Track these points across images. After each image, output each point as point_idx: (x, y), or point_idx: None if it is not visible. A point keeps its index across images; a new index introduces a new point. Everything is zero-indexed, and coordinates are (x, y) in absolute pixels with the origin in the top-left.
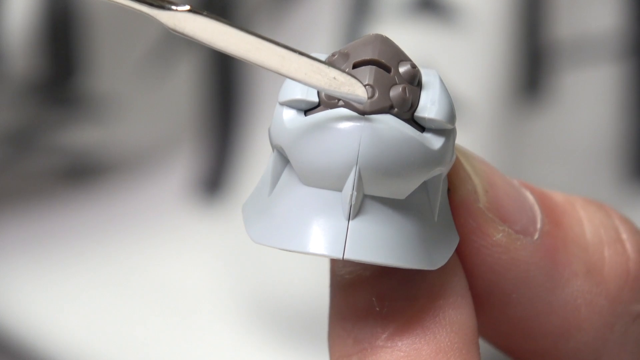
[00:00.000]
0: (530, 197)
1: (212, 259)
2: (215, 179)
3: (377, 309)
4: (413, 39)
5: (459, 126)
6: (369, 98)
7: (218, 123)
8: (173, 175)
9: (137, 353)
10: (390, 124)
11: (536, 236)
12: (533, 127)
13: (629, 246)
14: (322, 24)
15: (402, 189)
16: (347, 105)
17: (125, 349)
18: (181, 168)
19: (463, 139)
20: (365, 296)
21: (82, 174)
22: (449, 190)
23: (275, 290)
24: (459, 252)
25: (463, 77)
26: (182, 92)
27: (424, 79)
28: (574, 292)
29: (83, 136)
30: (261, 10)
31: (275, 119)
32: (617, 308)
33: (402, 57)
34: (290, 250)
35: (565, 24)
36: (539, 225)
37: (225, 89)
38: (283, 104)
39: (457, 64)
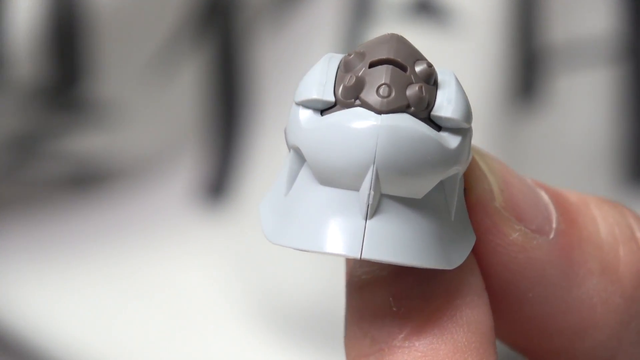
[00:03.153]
0: (544, 196)
1: (217, 263)
2: (219, 183)
3: (394, 308)
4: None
5: None
6: (385, 97)
7: (221, 127)
8: (177, 180)
9: (142, 357)
10: (407, 123)
11: (552, 235)
12: (528, 131)
13: None
14: (323, 27)
15: (419, 188)
16: (364, 104)
17: (131, 353)
18: (185, 173)
19: None
20: (382, 296)
21: (86, 180)
22: (465, 189)
23: (281, 294)
24: (475, 252)
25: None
26: (185, 97)
27: (440, 78)
28: (590, 291)
29: (87, 142)
30: (263, 14)
31: (292, 119)
32: (632, 307)
33: (418, 56)
34: (307, 250)
35: (560, 28)
36: (554, 225)
37: (229, 93)
38: (299, 103)
39: (453, 67)
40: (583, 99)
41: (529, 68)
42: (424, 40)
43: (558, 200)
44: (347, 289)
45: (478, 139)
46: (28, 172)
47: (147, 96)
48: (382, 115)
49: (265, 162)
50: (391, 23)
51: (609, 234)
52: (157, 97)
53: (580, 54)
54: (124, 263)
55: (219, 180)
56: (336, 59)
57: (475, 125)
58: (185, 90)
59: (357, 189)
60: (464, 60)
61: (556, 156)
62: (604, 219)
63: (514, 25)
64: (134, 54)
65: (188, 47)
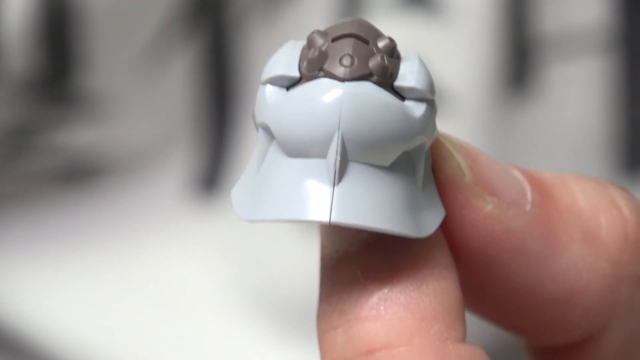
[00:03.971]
0: (517, 173)
1: (211, 255)
2: (212, 176)
3: (362, 280)
4: (402, 33)
5: (446, 119)
6: (348, 66)
7: (214, 120)
8: (170, 173)
9: (138, 350)
10: (370, 90)
11: (528, 207)
12: (520, 121)
13: (626, 210)
14: (314, 19)
15: (385, 155)
16: (328, 74)
17: (127, 346)
18: (178, 166)
19: (450, 132)
20: (351, 270)
21: (79, 174)
22: (433, 170)
23: (274, 286)
24: (453, 230)
25: (451, 71)
26: (178, 89)
27: (403, 54)
28: (574, 257)
29: (80, 136)
30: (254, 6)
31: (259, 99)
32: (620, 271)
33: (380, 34)
34: (276, 220)
35: (552, 17)
36: (529, 198)
37: (221, 85)
38: (265, 82)
39: (445, 57)
40: (575, 88)
41: (521, 58)
42: (416, 30)
43: (531, 177)
44: (320, 273)
45: (471, 129)
46: (20, 166)
47: (139, 89)
48: (346, 82)
49: None
50: (383, 14)
51: (588, 203)
52: (150, 90)
53: (572, 43)
54: (118, 257)
55: (212, 174)
56: (300, 43)
57: (468, 114)
58: (177, 82)
59: (324, 157)
60: (456, 51)
61: (549, 146)
62: (582, 190)
63: (506, 14)
64: (126, 46)
65: (180, 39)
